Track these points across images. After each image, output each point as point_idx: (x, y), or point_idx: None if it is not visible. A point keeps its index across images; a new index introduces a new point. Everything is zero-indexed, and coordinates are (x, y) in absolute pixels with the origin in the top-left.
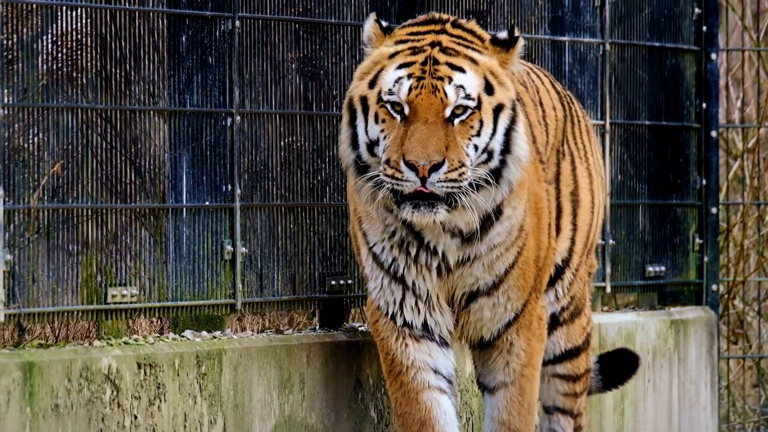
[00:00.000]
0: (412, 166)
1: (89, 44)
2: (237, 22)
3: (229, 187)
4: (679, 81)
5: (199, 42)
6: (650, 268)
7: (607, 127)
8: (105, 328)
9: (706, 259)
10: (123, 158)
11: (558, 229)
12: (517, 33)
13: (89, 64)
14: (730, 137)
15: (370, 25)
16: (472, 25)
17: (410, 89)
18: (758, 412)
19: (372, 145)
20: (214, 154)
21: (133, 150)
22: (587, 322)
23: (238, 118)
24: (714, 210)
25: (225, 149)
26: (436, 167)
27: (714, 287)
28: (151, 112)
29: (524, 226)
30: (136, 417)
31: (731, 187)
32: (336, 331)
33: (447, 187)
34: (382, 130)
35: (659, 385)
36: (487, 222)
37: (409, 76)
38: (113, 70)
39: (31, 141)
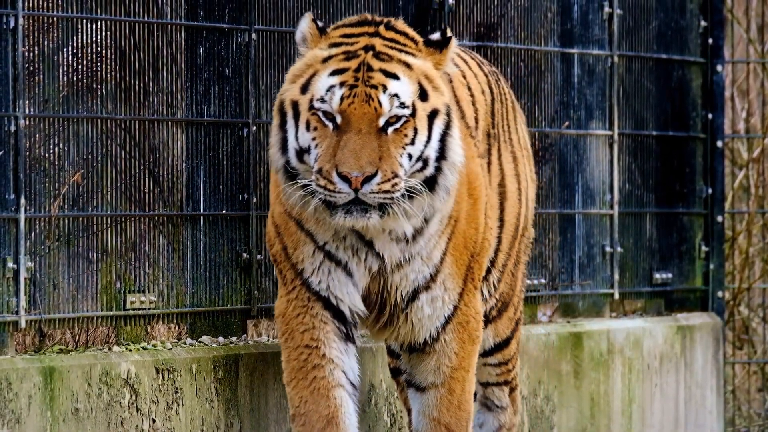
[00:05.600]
0: (345, 178)
1: (109, 56)
2: (253, 35)
3: (246, 195)
4: (685, 92)
5: (216, 54)
6: (657, 275)
7: (615, 137)
8: (124, 333)
9: (711, 266)
10: (141, 168)
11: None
12: (449, 33)
13: (109, 75)
14: (735, 147)
15: (306, 25)
16: (405, 26)
17: (342, 98)
18: (763, 415)
19: (302, 152)
20: (230, 164)
21: (151, 159)
22: (515, 310)
23: (254, 128)
24: (719, 218)
25: (241, 159)
26: (368, 178)
27: (719, 294)
28: (169, 122)
29: (453, 214)
30: (154, 421)
31: (736, 196)
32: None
33: (380, 198)
34: (313, 138)
35: (666, 389)
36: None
37: (342, 84)
38: (132, 81)
39: (51, 151)
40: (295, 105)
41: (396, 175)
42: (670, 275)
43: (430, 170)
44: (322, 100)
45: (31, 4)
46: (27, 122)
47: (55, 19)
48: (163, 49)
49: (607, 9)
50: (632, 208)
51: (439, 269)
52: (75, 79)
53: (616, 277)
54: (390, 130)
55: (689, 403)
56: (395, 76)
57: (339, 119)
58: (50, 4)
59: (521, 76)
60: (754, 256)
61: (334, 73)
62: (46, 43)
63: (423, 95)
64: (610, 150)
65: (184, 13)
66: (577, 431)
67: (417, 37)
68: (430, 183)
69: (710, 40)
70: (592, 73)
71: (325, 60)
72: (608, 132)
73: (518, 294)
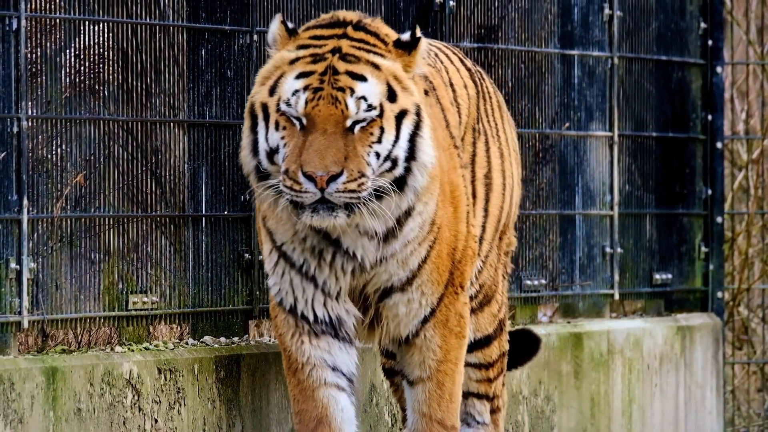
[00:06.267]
0: (310, 178)
1: (111, 58)
2: (255, 36)
3: (247, 196)
4: (685, 93)
5: (218, 55)
6: (657, 276)
7: (615, 138)
8: (126, 334)
9: (711, 267)
10: (144, 169)
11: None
12: (419, 34)
13: (111, 77)
14: (735, 148)
15: (275, 27)
16: (377, 25)
17: (307, 102)
18: (762, 415)
19: (272, 153)
20: (232, 165)
21: (153, 161)
22: (498, 308)
23: None
24: (719, 219)
25: None
26: (334, 177)
27: (719, 294)
28: (171, 123)
29: (436, 220)
30: (156, 421)
31: (736, 197)
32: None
33: (346, 197)
34: (282, 138)
35: (666, 389)
36: (401, 219)
37: (306, 87)
38: (134, 82)
39: (54, 152)
40: (264, 107)
41: (363, 175)
42: (669, 276)
43: (399, 170)
44: (288, 103)
45: (33, 6)
46: (30, 123)
47: (57, 20)
48: (165, 50)
49: (607, 11)
50: (632, 209)
51: (417, 275)
52: (77, 80)
53: (616, 277)
54: (357, 128)
55: (689, 403)
56: (362, 78)
57: (305, 121)
58: (53, 6)
59: (522, 78)
60: (753, 256)
61: (300, 76)
62: (48, 44)
63: (391, 96)
64: (611, 151)
65: (186, 15)
66: (577, 431)
67: (389, 36)
68: (399, 183)
69: (710, 42)
70: (592, 75)
71: (292, 62)
72: (608, 133)
73: (501, 293)
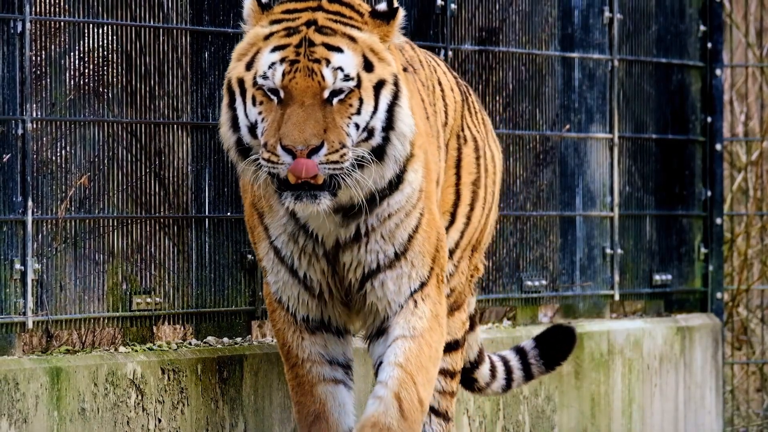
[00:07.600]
0: (289, 151)
1: (115, 60)
2: None
3: None
4: (684, 96)
5: (221, 58)
6: (657, 277)
7: (616, 140)
8: (130, 334)
9: (711, 268)
10: (147, 170)
11: (453, 218)
12: (396, 4)
13: (115, 79)
14: (734, 150)
15: (248, 2)
16: None
17: (284, 74)
18: (761, 415)
19: (253, 127)
20: (235, 167)
21: (157, 162)
22: (466, 319)
23: None
24: (719, 220)
25: None
26: (315, 150)
27: (719, 295)
28: (175, 125)
29: (423, 188)
30: (160, 420)
31: (735, 199)
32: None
33: (329, 169)
34: (260, 112)
35: (666, 389)
36: (384, 191)
37: (282, 60)
38: (138, 85)
39: (58, 154)
40: (241, 82)
41: (343, 145)
42: (669, 277)
43: (376, 140)
44: (264, 76)
45: (38, 9)
46: (34, 125)
47: (62, 23)
48: (168, 53)
49: (607, 14)
50: (632, 210)
51: (408, 247)
52: (82, 82)
53: (617, 278)
54: (335, 100)
55: (689, 403)
56: (339, 50)
57: (282, 94)
58: (57, 9)
59: (522, 80)
60: (752, 257)
61: (275, 49)
62: (53, 47)
63: (368, 66)
64: (611, 153)
65: (189, 18)
66: (577, 431)
67: (364, 8)
68: (379, 153)
69: (709, 45)
70: (592, 77)
71: (267, 37)
72: (608, 135)
73: (466, 309)
